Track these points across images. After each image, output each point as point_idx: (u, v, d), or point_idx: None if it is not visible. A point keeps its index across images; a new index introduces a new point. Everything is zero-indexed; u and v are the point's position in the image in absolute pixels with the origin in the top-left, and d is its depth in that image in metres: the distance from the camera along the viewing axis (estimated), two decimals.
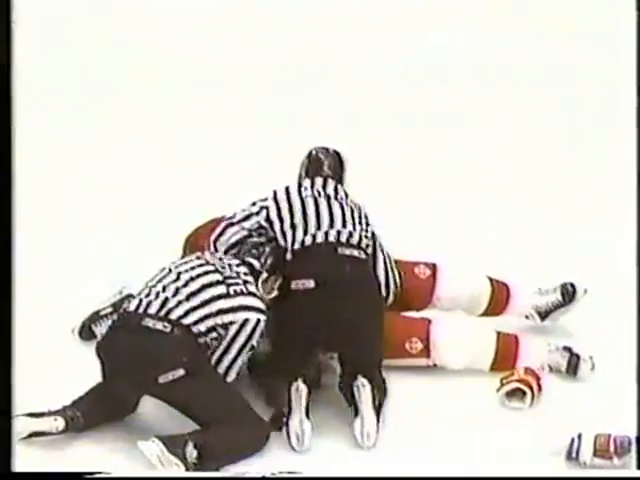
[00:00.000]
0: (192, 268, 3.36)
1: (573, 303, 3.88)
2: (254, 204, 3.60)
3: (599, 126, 5.73)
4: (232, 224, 3.59)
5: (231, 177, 5.20)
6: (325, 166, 3.68)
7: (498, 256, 4.27)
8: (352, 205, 3.60)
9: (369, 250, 3.52)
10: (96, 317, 3.87)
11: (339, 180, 3.68)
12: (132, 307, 3.30)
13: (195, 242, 3.83)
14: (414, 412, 3.39)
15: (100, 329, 3.80)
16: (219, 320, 3.26)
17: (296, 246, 3.47)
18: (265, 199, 3.60)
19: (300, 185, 3.63)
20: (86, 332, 3.83)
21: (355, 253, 3.46)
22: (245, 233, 3.57)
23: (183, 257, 3.74)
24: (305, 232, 3.47)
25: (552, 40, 6.28)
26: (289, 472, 3.02)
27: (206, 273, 3.33)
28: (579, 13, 6.30)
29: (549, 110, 5.93)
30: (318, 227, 3.48)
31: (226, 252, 3.55)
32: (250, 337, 3.28)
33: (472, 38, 6.40)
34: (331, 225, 3.49)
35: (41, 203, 4.87)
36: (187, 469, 3.01)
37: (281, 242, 3.51)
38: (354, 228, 3.51)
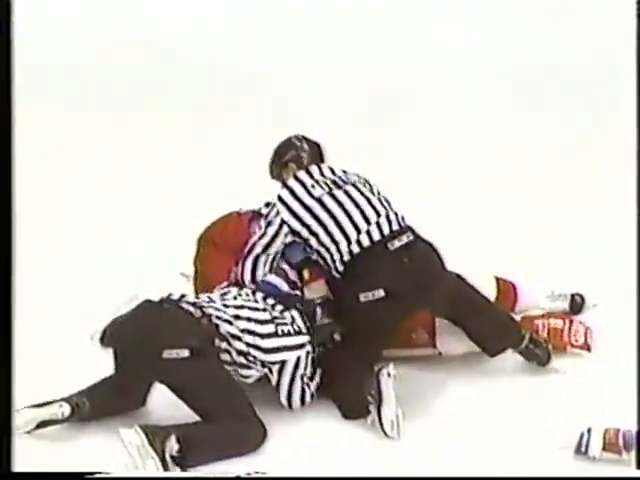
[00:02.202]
0: (244, 300, 3.33)
1: (579, 314, 3.89)
2: (270, 224, 3.43)
3: (599, 126, 5.74)
4: (258, 256, 3.47)
5: (236, 178, 5.20)
6: (309, 152, 3.56)
7: (502, 254, 4.27)
8: (362, 181, 3.52)
9: (403, 222, 3.46)
10: None
11: (323, 161, 3.57)
12: (175, 296, 3.31)
13: (209, 238, 3.78)
14: (418, 407, 3.37)
15: None
16: (260, 355, 3.25)
17: (345, 257, 3.38)
18: (276, 212, 3.43)
19: (303, 183, 3.46)
20: (107, 339, 3.74)
21: (404, 239, 3.39)
22: (273, 255, 3.48)
23: (197, 254, 3.76)
24: (348, 241, 3.37)
25: (552, 40, 6.29)
26: (264, 472, 2.99)
27: (256, 310, 3.31)
28: (579, 13, 6.30)
29: (548, 110, 5.95)
30: (358, 230, 3.38)
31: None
32: (294, 374, 3.30)
33: (471, 38, 6.41)
34: (366, 220, 3.39)
35: (42, 201, 4.87)
36: (163, 465, 2.97)
37: (323, 252, 3.43)
38: (383, 206, 3.44)
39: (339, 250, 3.39)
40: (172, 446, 3.01)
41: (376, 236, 3.38)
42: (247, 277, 3.49)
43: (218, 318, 3.23)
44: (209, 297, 3.34)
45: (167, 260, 4.22)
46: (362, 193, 3.46)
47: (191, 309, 3.23)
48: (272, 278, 3.47)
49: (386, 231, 3.39)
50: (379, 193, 3.53)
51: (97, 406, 3.21)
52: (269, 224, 3.45)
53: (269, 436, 3.18)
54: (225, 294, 3.36)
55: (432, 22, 6.45)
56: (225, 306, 3.27)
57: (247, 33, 6.48)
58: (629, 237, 3.95)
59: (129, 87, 6.15)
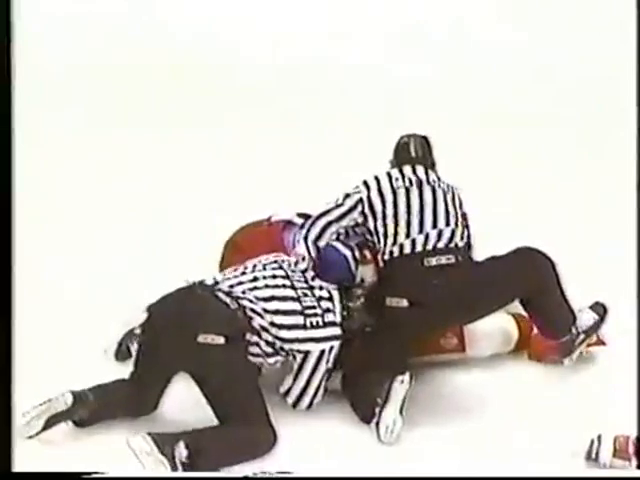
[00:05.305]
0: (276, 286, 3.32)
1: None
2: (348, 196, 3.52)
3: (598, 127, 5.74)
4: (331, 222, 3.51)
5: (244, 181, 5.21)
6: (412, 152, 3.64)
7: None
8: (445, 188, 3.54)
9: (461, 241, 3.46)
10: (132, 336, 3.56)
11: (428, 165, 3.62)
12: (209, 282, 3.31)
13: (238, 245, 3.75)
14: (427, 410, 3.37)
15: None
16: (285, 345, 3.26)
17: (386, 256, 3.43)
18: (358, 190, 3.52)
19: (390, 175, 3.54)
20: (122, 353, 3.60)
21: (443, 260, 3.39)
22: (342, 231, 3.52)
23: (223, 261, 3.72)
24: (395, 240, 3.41)
25: (552, 40, 6.28)
26: (278, 472, 3.00)
27: (286, 299, 3.30)
28: (579, 13, 6.30)
29: (548, 110, 5.95)
30: (407, 234, 3.41)
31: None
32: (316, 367, 3.30)
33: (471, 38, 6.40)
34: (420, 229, 3.42)
35: (42, 203, 4.86)
36: (173, 468, 2.98)
37: (371, 238, 3.48)
38: (447, 222, 3.45)
39: (385, 245, 3.43)
40: (181, 452, 3.02)
41: (418, 247, 3.40)
42: (312, 237, 3.49)
43: (252, 311, 3.24)
44: (240, 282, 3.31)
45: (167, 262, 4.22)
46: (435, 199, 3.49)
47: (227, 300, 3.23)
48: (340, 246, 3.48)
49: (429, 246, 3.40)
50: (458, 206, 3.55)
51: (103, 402, 3.19)
52: (347, 196, 3.52)
53: (278, 436, 3.18)
54: (256, 279, 3.34)
55: (432, 24, 6.44)
56: (257, 298, 3.26)
57: (247, 33, 6.46)
58: (629, 237, 3.96)
59: (129, 87, 6.14)
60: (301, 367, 3.31)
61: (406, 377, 3.25)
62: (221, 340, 3.13)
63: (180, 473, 3.00)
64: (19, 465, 2.87)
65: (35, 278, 4.02)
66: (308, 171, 5.10)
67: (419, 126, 5.73)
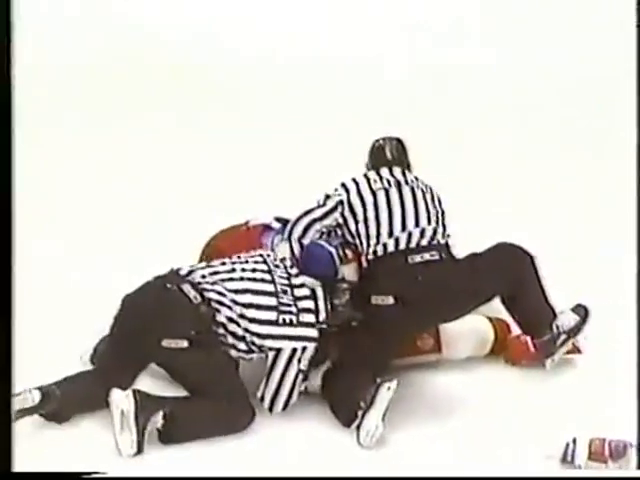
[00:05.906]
0: (253, 280, 3.32)
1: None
2: (328, 197, 3.56)
3: (598, 127, 5.74)
4: (314, 221, 3.55)
5: (244, 181, 5.21)
6: (387, 154, 3.67)
7: None
8: (423, 188, 3.58)
9: (442, 239, 3.49)
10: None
11: (405, 166, 3.66)
12: (183, 271, 3.31)
13: (218, 249, 3.72)
14: (409, 412, 3.37)
15: None
16: (257, 340, 3.26)
17: (370, 256, 3.46)
18: (337, 192, 3.56)
19: (368, 178, 3.58)
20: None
21: (427, 256, 3.43)
22: (324, 230, 3.56)
23: (200, 262, 3.67)
24: (377, 240, 3.45)
25: (552, 40, 6.28)
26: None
27: (261, 293, 3.30)
28: (579, 13, 6.30)
29: (548, 110, 5.94)
30: (390, 233, 3.44)
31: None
32: (287, 366, 3.28)
33: (471, 38, 6.40)
34: (403, 227, 3.45)
35: (43, 207, 4.86)
36: (138, 445, 3.01)
37: (353, 240, 3.51)
38: (428, 221, 3.49)
39: (369, 246, 3.46)
40: (157, 421, 3.07)
41: (401, 245, 3.44)
42: (295, 236, 3.53)
43: (218, 302, 3.23)
44: (216, 271, 3.32)
45: (166, 262, 4.21)
46: (415, 198, 3.53)
47: (191, 294, 3.23)
48: (325, 243, 3.52)
49: (413, 244, 3.44)
50: (437, 204, 3.58)
51: (71, 395, 3.19)
52: (327, 197, 3.57)
53: (262, 437, 3.20)
54: (233, 270, 3.34)
55: (432, 23, 6.43)
56: (227, 289, 3.26)
57: (247, 33, 6.46)
58: (629, 239, 3.95)
59: (129, 88, 6.14)
60: (272, 366, 3.29)
61: (393, 384, 3.23)
62: (184, 344, 3.15)
63: (177, 473, 3.00)
64: (19, 465, 2.86)
65: (35, 277, 4.02)
66: (308, 171, 5.09)
67: (419, 126, 5.76)
